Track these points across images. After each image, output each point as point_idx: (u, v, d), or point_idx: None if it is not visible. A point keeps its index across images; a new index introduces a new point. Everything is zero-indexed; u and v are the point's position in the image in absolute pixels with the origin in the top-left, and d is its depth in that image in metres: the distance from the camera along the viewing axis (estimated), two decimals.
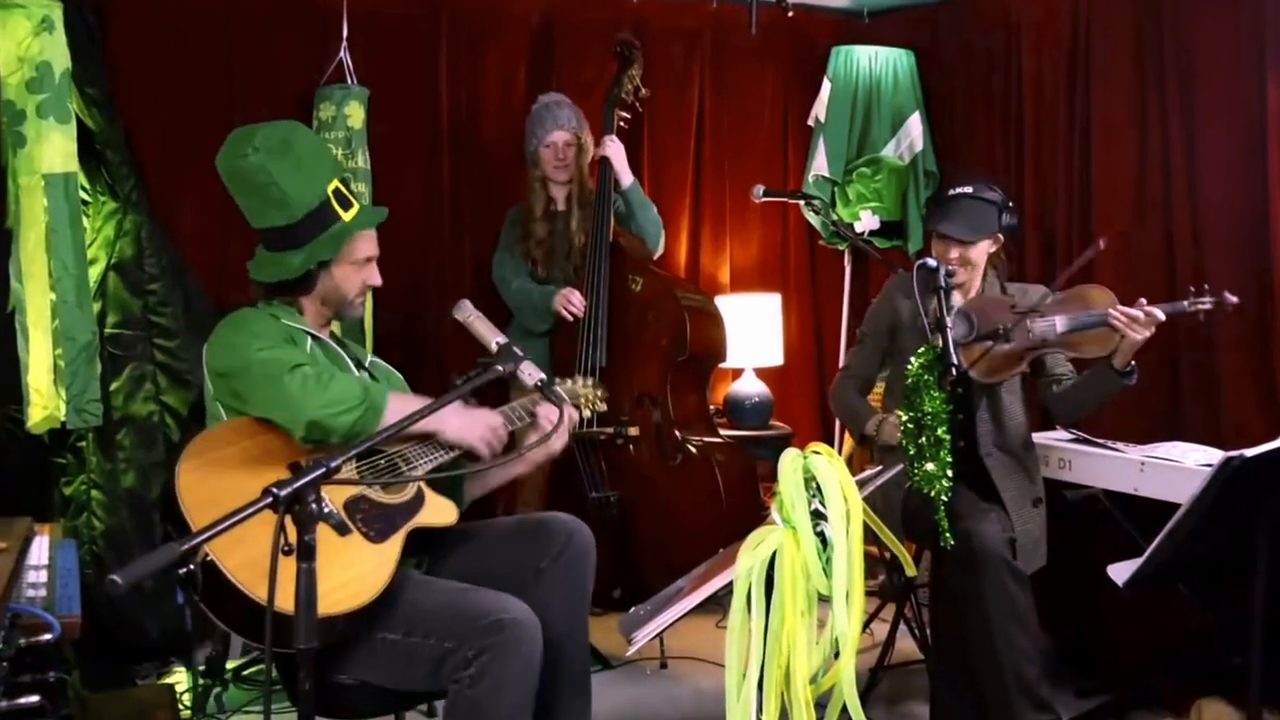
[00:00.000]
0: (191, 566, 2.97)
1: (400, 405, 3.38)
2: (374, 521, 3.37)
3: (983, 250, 4.71)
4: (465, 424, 3.60)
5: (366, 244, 3.68)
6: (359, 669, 3.33)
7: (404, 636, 3.29)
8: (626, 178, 5.75)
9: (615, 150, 5.72)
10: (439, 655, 3.24)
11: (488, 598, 3.33)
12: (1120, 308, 4.38)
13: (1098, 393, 4.58)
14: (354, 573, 3.21)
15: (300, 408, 3.30)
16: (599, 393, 4.40)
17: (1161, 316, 4.33)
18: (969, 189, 4.71)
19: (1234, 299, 4.36)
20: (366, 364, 3.83)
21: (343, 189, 3.62)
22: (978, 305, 4.61)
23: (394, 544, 3.36)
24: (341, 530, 3.25)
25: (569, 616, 3.63)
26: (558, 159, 5.77)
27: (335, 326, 3.91)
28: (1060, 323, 4.45)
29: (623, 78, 5.82)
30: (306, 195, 3.53)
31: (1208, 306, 4.38)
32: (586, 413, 4.28)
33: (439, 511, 3.55)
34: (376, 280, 3.74)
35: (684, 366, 5.49)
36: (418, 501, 3.51)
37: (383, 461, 3.51)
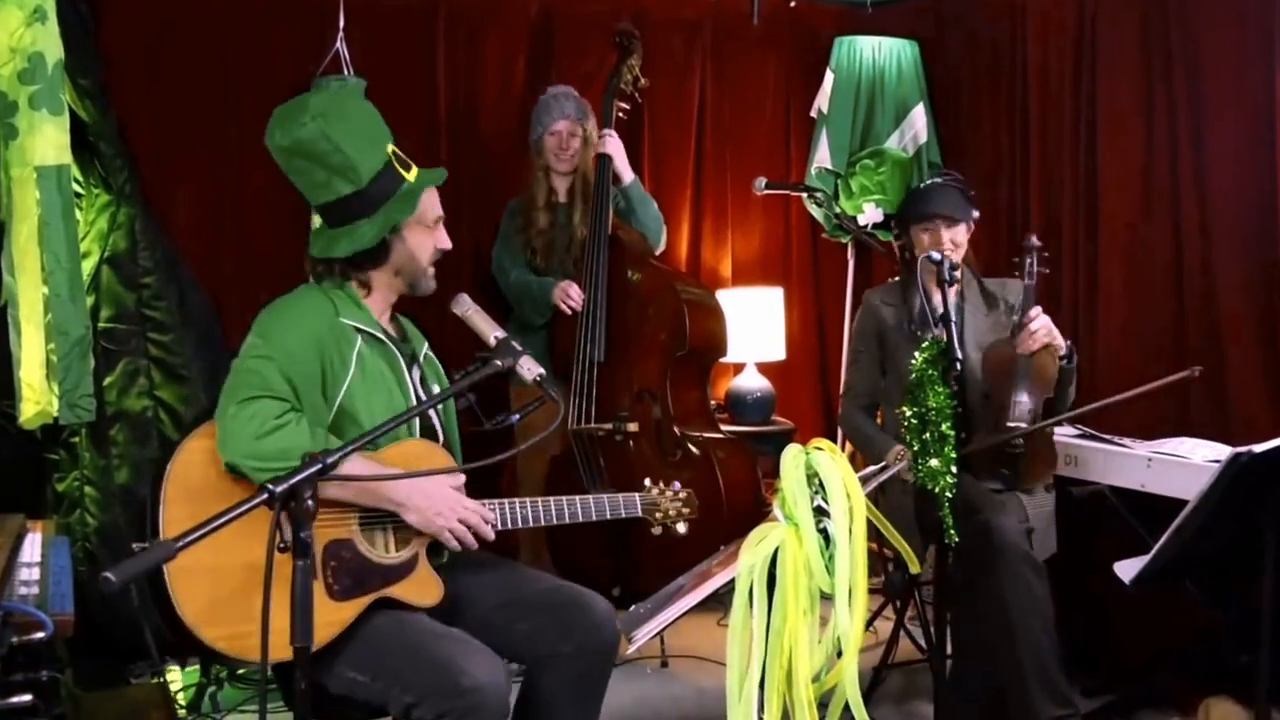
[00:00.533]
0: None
1: (355, 468, 3.20)
2: (345, 575, 3.29)
3: (965, 233, 4.80)
4: (429, 505, 3.37)
5: (434, 202, 3.61)
6: (341, 691, 3.31)
7: (371, 680, 3.25)
8: (627, 174, 5.75)
9: (615, 146, 5.71)
10: (403, 708, 3.19)
11: (456, 650, 3.23)
12: (1024, 340, 4.56)
13: (1062, 389, 4.72)
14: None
15: (228, 442, 3.20)
16: (684, 509, 4.00)
17: (1035, 316, 4.57)
18: (939, 179, 4.85)
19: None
20: (421, 358, 3.73)
21: (398, 150, 3.56)
22: (995, 365, 4.68)
23: (349, 608, 3.28)
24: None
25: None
26: (560, 147, 5.77)
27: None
28: (1029, 402, 4.57)
29: (622, 68, 5.80)
30: (371, 158, 3.45)
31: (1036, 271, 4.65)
32: (657, 530, 3.95)
33: (422, 589, 3.43)
34: (447, 243, 3.66)
35: (684, 361, 5.48)
36: (405, 569, 3.41)
37: (388, 516, 3.43)
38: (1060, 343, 4.56)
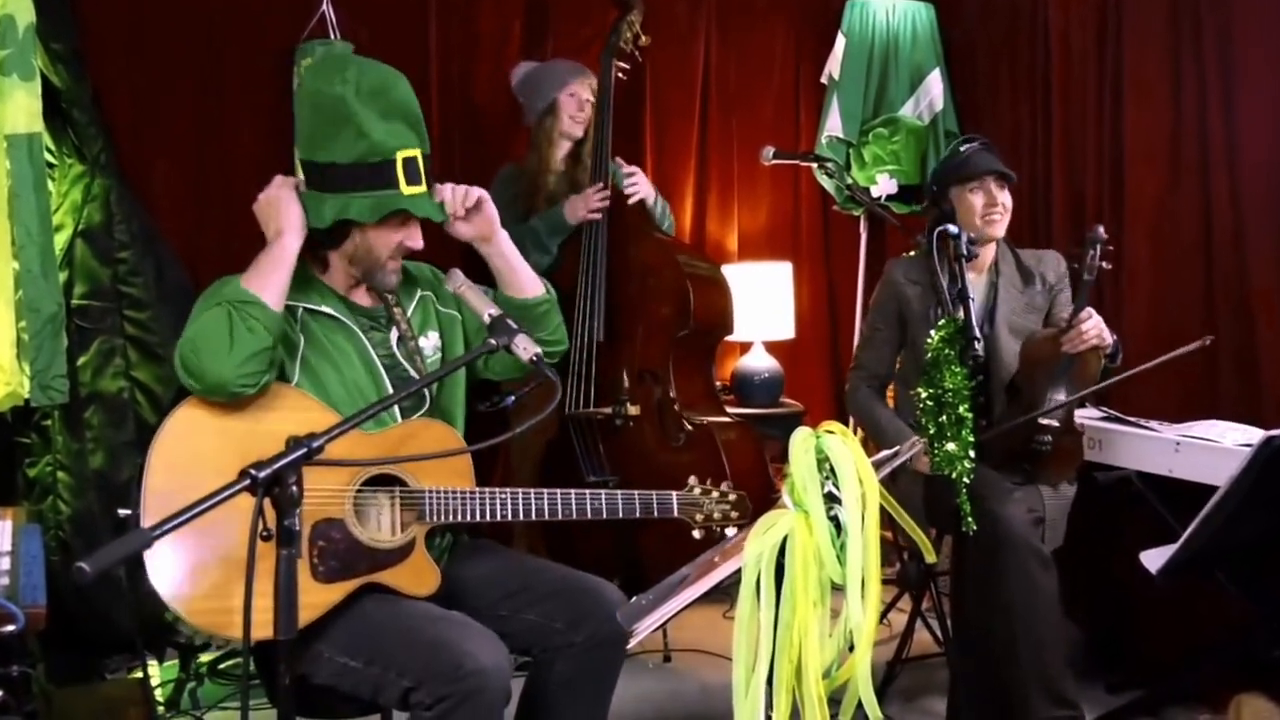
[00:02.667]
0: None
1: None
2: (332, 557, 3.28)
3: (1010, 197, 4.79)
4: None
5: (408, 236, 3.53)
6: (328, 679, 3.30)
7: (364, 666, 3.23)
8: (651, 199, 5.76)
9: (646, 188, 5.72)
10: (400, 692, 3.18)
11: (453, 632, 3.23)
12: (1073, 341, 4.49)
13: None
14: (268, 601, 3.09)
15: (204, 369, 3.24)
16: (733, 512, 3.90)
17: (1087, 317, 4.49)
18: (978, 142, 4.81)
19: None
20: (410, 309, 3.72)
21: (420, 163, 3.46)
22: (1033, 361, 4.67)
23: (334, 591, 3.26)
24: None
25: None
26: (579, 109, 5.75)
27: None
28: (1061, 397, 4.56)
29: (621, 25, 5.74)
30: (373, 145, 3.38)
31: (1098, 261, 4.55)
32: (698, 534, 3.84)
33: (416, 577, 3.41)
34: (418, 243, 3.56)
35: (688, 340, 5.46)
36: (399, 554, 3.39)
37: (398, 496, 3.43)
38: (1109, 340, 4.53)
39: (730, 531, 3.76)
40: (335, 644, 3.25)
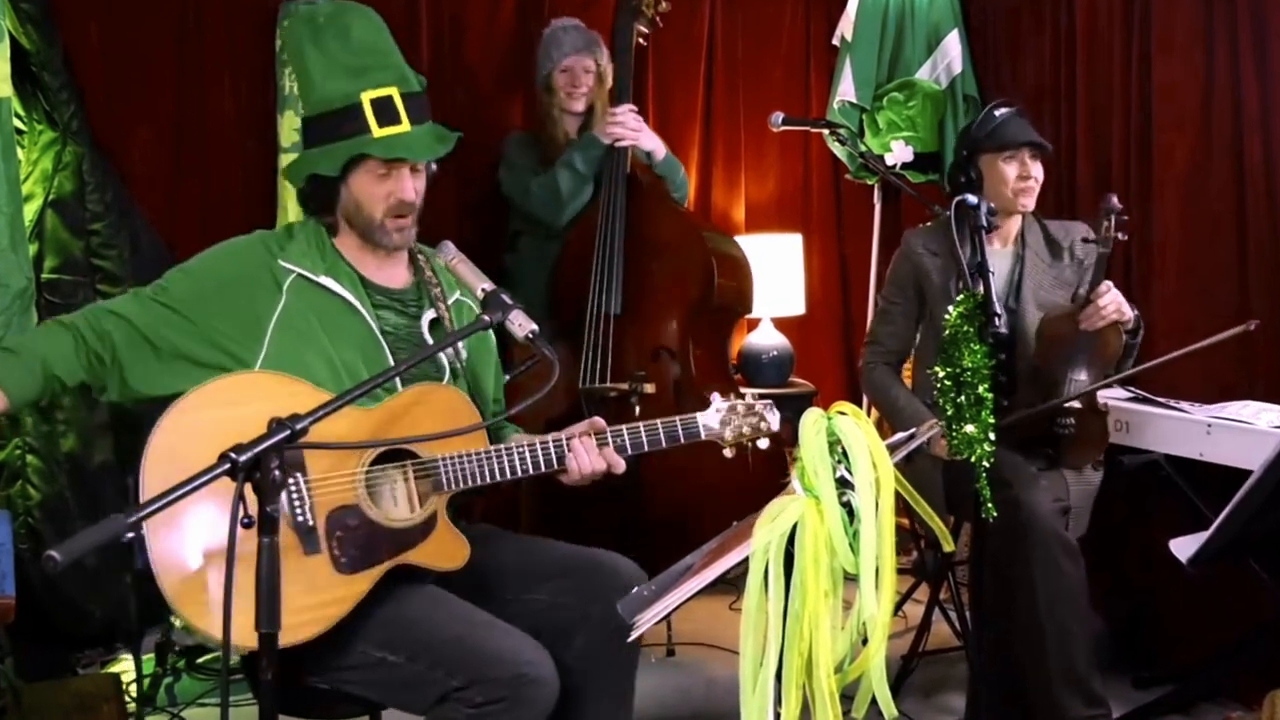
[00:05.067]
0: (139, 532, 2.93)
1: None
2: (352, 545, 3.24)
3: (1042, 170, 4.79)
4: None
5: (400, 186, 3.46)
6: (338, 677, 3.28)
7: (406, 661, 3.21)
8: (660, 151, 5.79)
9: (650, 140, 5.75)
10: (444, 691, 3.16)
11: (509, 641, 3.22)
12: (1091, 317, 4.48)
13: (1122, 365, 4.71)
14: (306, 601, 3.09)
15: None
16: (761, 424, 3.78)
17: (1105, 291, 4.49)
18: (1014, 108, 4.79)
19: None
20: (448, 305, 3.70)
21: (396, 101, 3.39)
22: (1051, 340, 4.66)
23: (362, 580, 3.23)
24: (309, 545, 3.16)
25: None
26: (573, 84, 5.80)
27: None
28: (1087, 381, 4.58)
29: None
30: (329, 91, 3.37)
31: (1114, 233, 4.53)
32: (729, 453, 3.74)
33: (443, 550, 3.38)
34: (408, 194, 3.48)
35: (708, 317, 5.47)
36: (422, 530, 3.35)
37: (411, 469, 3.40)
38: (1129, 315, 4.52)
39: (763, 444, 3.70)
40: (369, 638, 3.23)
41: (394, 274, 3.63)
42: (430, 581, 3.40)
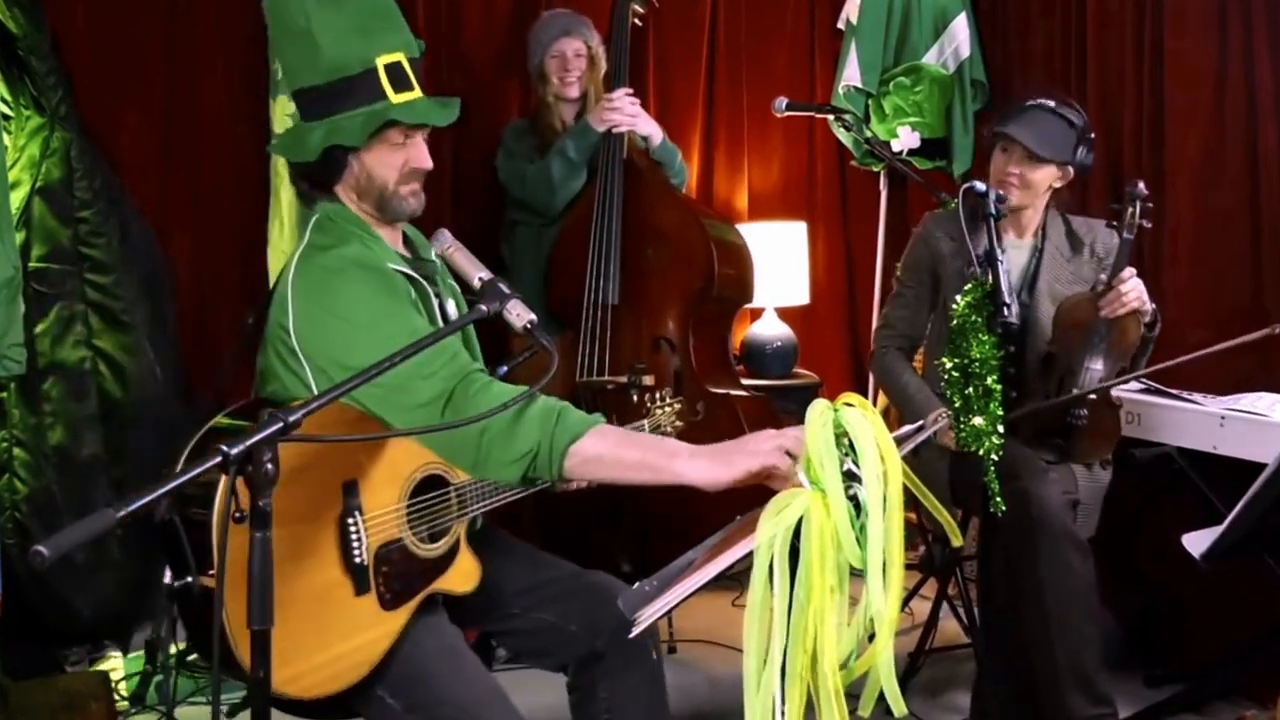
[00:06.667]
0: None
1: (613, 441, 3.11)
2: (396, 580, 3.22)
3: (1046, 177, 4.69)
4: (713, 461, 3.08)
5: (414, 155, 3.35)
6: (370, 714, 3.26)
7: (404, 711, 3.17)
8: (657, 136, 5.80)
9: (648, 126, 5.76)
10: None
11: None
12: (1111, 303, 4.45)
13: (1138, 358, 4.69)
14: (347, 645, 3.06)
15: (476, 464, 3.06)
16: (673, 404, 4.08)
17: (1128, 277, 4.48)
18: (1050, 101, 4.69)
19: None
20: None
21: (406, 67, 3.29)
22: (1069, 325, 4.63)
23: (402, 614, 3.22)
24: (360, 586, 3.12)
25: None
26: (564, 69, 5.80)
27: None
28: (1102, 370, 4.55)
29: None
30: (344, 55, 3.22)
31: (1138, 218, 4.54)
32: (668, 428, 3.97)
33: (463, 576, 3.41)
34: (426, 162, 3.37)
35: (709, 308, 5.46)
36: (446, 560, 3.37)
37: (436, 501, 3.38)
38: (1149, 306, 4.52)
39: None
40: (379, 675, 3.17)
41: (401, 245, 3.55)
42: (442, 603, 3.40)
